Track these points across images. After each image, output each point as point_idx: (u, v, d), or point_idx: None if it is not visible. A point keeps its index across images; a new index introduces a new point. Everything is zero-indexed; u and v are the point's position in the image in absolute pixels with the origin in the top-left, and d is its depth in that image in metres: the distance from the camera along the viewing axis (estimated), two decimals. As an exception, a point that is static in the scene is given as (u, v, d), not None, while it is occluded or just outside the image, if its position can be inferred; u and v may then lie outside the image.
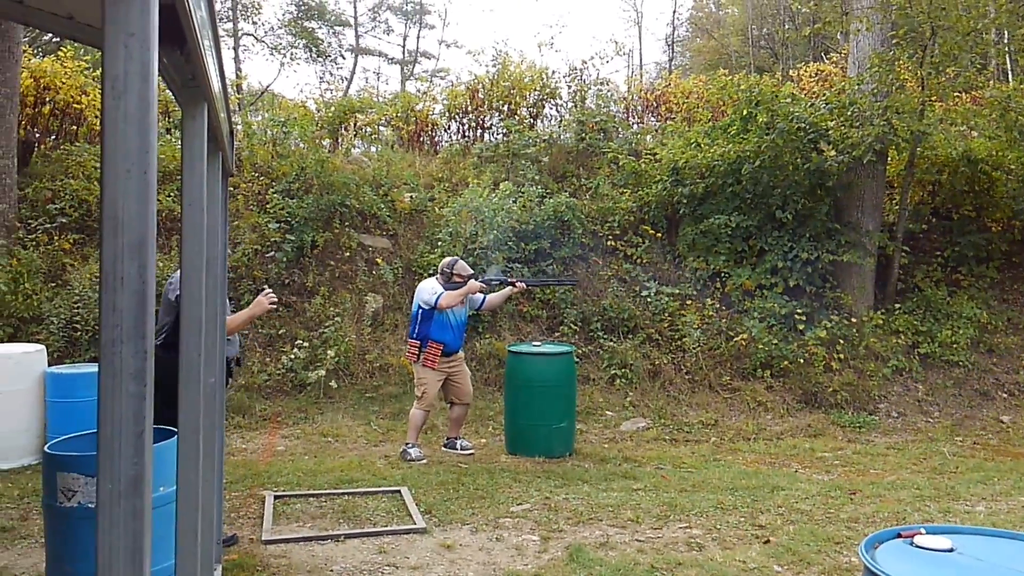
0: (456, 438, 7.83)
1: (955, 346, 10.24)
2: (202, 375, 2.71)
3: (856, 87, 10.78)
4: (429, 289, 7.50)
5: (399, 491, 6.29)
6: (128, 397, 1.18)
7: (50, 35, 15.07)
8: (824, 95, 11.57)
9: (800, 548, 5.23)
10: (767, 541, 5.38)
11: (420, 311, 7.50)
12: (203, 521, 2.84)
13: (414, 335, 7.55)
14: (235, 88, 15.76)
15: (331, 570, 4.84)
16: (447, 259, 7.81)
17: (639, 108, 14.75)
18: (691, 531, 5.61)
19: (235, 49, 25.11)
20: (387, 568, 4.86)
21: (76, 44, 12.97)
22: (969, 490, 6.85)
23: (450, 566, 4.82)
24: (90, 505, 3.62)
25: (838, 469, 7.68)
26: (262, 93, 22.26)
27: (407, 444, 7.51)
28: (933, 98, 10.65)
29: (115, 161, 1.19)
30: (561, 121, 14.01)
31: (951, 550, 2.76)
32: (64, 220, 9.81)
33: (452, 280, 7.54)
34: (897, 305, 10.72)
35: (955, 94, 11.39)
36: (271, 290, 5.67)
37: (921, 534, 2.85)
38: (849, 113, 10.60)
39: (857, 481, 7.17)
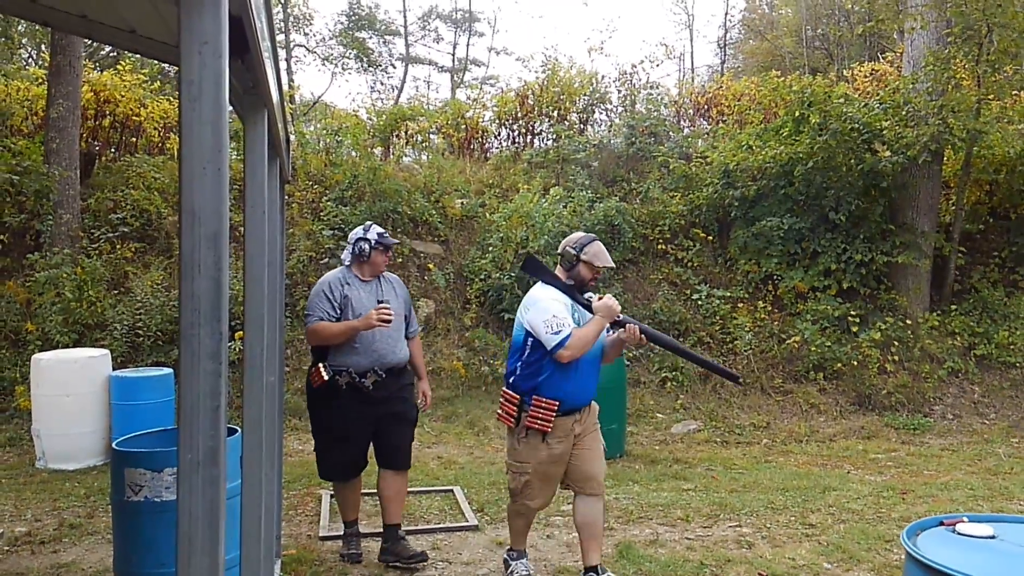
0: (597, 569, 4.42)
1: (1012, 347, 10.07)
2: (264, 372, 2.81)
3: (911, 86, 10.65)
4: (547, 313, 4.19)
5: (452, 490, 6.40)
6: (205, 375, 1.30)
7: (109, 48, 15.50)
8: (878, 95, 11.46)
9: (850, 546, 5.22)
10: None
11: (529, 340, 4.30)
12: (265, 515, 2.95)
13: (511, 380, 4.39)
14: (288, 99, 16.06)
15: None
16: (575, 235, 4.52)
17: (690, 111, 14.74)
18: (741, 530, 5.62)
19: (288, 60, 25.53)
20: (440, 564, 4.96)
21: (135, 57, 13.32)
22: (1024, 491, 6.76)
23: (502, 562, 4.90)
24: (156, 500, 3.75)
25: (891, 470, 7.61)
26: (314, 103, 22.64)
27: (508, 551, 4.75)
28: (990, 96, 10.49)
29: (192, 159, 1.30)
30: (611, 126, 14.08)
31: (992, 537, 2.79)
32: (126, 230, 10.10)
33: (579, 274, 4.37)
34: (953, 306, 10.58)
35: (1012, 92, 11.21)
36: (387, 307, 4.73)
37: (963, 522, 2.88)
38: (904, 113, 10.50)
39: (910, 482, 7.10)
